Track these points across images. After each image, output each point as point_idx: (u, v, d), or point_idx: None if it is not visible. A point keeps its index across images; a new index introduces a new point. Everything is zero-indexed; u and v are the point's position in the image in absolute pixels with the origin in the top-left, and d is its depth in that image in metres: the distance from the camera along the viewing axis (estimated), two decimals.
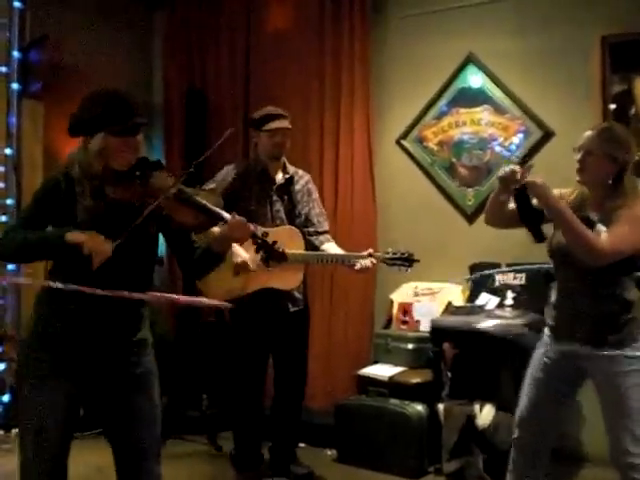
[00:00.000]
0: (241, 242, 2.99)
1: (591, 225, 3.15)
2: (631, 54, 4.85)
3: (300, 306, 4.60)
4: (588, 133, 3.24)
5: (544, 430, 3.39)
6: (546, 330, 3.42)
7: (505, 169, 3.16)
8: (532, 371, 3.40)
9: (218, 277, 3.64)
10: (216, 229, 3.00)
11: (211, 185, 4.46)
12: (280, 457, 4.72)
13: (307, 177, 4.73)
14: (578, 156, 3.22)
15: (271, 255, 2.99)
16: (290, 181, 4.61)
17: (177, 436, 5.37)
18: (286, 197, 4.60)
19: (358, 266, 4.28)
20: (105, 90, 2.77)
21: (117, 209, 2.73)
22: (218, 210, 2.82)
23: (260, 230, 3.08)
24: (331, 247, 4.55)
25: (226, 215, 2.82)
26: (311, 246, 4.54)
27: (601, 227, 3.14)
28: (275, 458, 4.73)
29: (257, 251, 2.98)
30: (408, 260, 4.29)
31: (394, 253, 4.30)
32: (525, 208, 3.10)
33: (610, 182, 3.20)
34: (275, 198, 4.53)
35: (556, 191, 3.31)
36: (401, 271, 4.34)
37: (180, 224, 2.79)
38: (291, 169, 4.66)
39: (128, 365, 2.85)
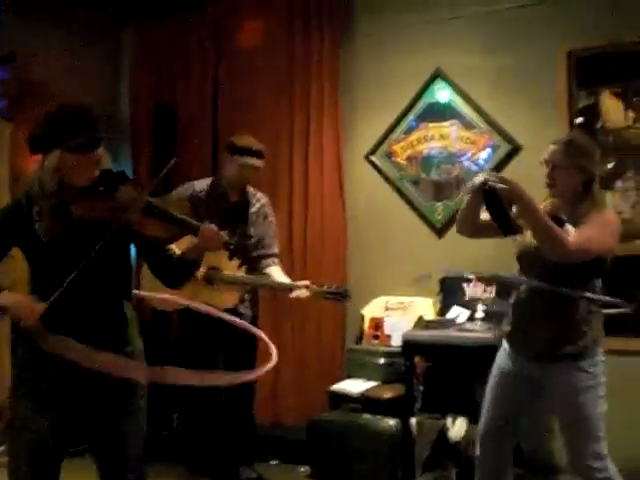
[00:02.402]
0: (214, 250, 2.98)
1: (560, 224, 3.19)
2: (596, 68, 4.93)
3: (247, 321, 4.62)
4: (553, 147, 3.29)
5: (505, 446, 3.44)
6: (504, 342, 3.45)
7: (476, 178, 3.18)
8: (490, 387, 3.45)
9: (160, 290, 3.63)
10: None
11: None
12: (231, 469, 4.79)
13: (264, 200, 4.81)
14: (546, 171, 3.28)
15: (246, 260, 2.98)
16: (246, 204, 4.67)
17: (148, 456, 5.32)
18: (241, 219, 4.66)
19: (293, 295, 4.41)
20: (62, 104, 2.70)
21: (85, 227, 2.68)
22: (189, 220, 2.81)
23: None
24: (273, 271, 4.65)
25: (197, 224, 2.81)
26: (255, 268, 4.62)
27: (570, 227, 3.20)
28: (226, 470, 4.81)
29: (231, 257, 3.01)
30: (343, 295, 4.45)
31: (329, 287, 4.45)
32: (495, 206, 3.11)
33: (578, 192, 3.26)
34: (229, 220, 4.50)
35: None
36: (336, 304, 4.59)
37: (151, 238, 2.76)
38: (249, 191, 4.73)
39: (115, 390, 2.80)
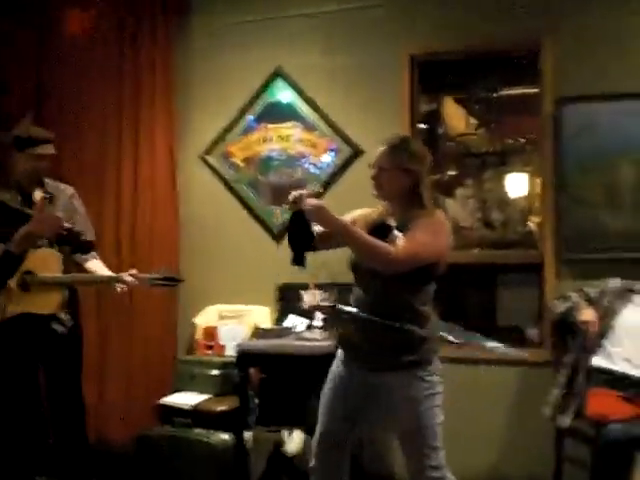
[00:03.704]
0: (48, 236, 2.80)
1: (387, 230, 3.22)
2: (439, 74, 5.06)
3: (67, 327, 4.43)
4: (381, 148, 3.31)
5: (340, 455, 3.43)
6: (339, 348, 3.45)
7: (293, 193, 3.17)
8: (324, 393, 3.43)
9: None
10: None
11: None
12: None
13: (70, 191, 4.56)
14: (372, 173, 3.29)
15: (79, 246, 2.85)
16: (50, 199, 4.42)
17: None
18: None
19: (119, 289, 4.34)
20: None
21: None
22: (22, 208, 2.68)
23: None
24: (95, 266, 4.48)
25: (28, 211, 2.67)
26: (74, 265, 4.44)
27: (397, 233, 3.20)
28: None
29: (61, 244, 2.85)
30: (173, 280, 4.37)
31: (157, 273, 4.34)
32: (297, 230, 3.14)
33: (407, 195, 3.27)
34: None
35: (359, 211, 3.43)
36: (166, 288, 4.47)
37: None
38: (50, 185, 4.48)
39: None
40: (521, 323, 5.13)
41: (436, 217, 3.25)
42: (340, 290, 4.57)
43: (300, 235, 3.14)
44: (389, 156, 3.27)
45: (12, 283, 4.14)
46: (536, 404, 4.37)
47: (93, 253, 4.51)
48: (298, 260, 3.16)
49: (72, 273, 4.38)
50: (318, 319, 4.76)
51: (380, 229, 3.23)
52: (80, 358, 4.56)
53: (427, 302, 3.29)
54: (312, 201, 3.10)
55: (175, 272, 4.82)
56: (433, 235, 3.17)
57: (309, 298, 4.75)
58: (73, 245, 2.87)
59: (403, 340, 3.22)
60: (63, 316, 4.38)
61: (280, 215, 5.38)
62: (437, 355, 3.30)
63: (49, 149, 4.35)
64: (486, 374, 4.82)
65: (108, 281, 4.39)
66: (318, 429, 3.44)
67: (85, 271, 4.44)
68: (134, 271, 4.31)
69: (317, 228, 3.22)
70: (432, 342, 3.29)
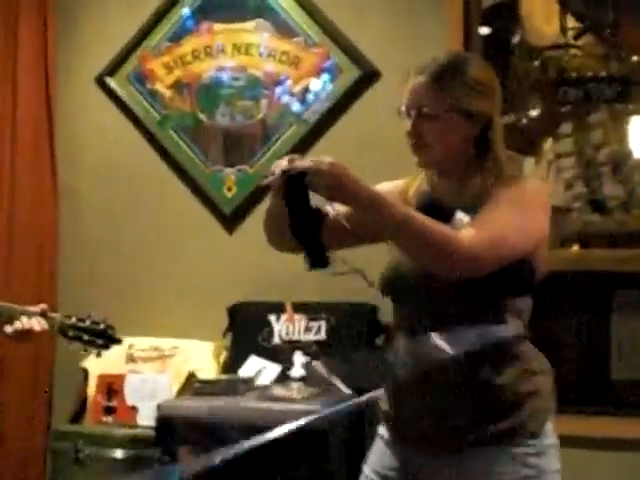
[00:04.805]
0: None
1: (446, 214, 2.97)
2: None
3: None
4: (417, 79, 3.06)
5: None
6: (381, 427, 3.22)
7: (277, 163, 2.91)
8: None
9: None
10: None
11: None
12: None
13: None
14: (408, 124, 3.04)
15: None
16: None
17: None
18: None
19: (16, 326, 4.00)
20: None
21: None
22: None
23: None
24: None
25: None
26: None
27: (462, 216, 2.96)
28: None
29: None
30: (105, 336, 4.12)
31: (80, 320, 4.08)
32: (299, 208, 2.88)
33: (471, 153, 3.04)
34: None
35: (383, 186, 3.19)
36: (87, 352, 4.28)
37: None
38: None
39: None
40: None
41: (525, 184, 3.08)
42: (340, 314, 4.86)
43: (305, 214, 2.86)
44: (434, 91, 3.01)
45: None
46: None
47: None
48: (316, 259, 2.84)
49: None
50: (298, 365, 4.80)
51: (431, 212, 2.92)
52: None
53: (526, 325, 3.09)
54: (313, 159, 2.81)
55: (51, 302, 4.63)
56: (524, 211, 2.95)
57: (284, 328, 4.97)
58: None
59: (486, 404, 3.01)
60: None
61: (235, 183, 5.37)
62: (548, 420, 3.04)
63: None
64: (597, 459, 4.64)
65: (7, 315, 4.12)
66: None
67: None
68: (44, 306, 4.06)
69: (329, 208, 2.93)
70: (539, 402, 3.02)
